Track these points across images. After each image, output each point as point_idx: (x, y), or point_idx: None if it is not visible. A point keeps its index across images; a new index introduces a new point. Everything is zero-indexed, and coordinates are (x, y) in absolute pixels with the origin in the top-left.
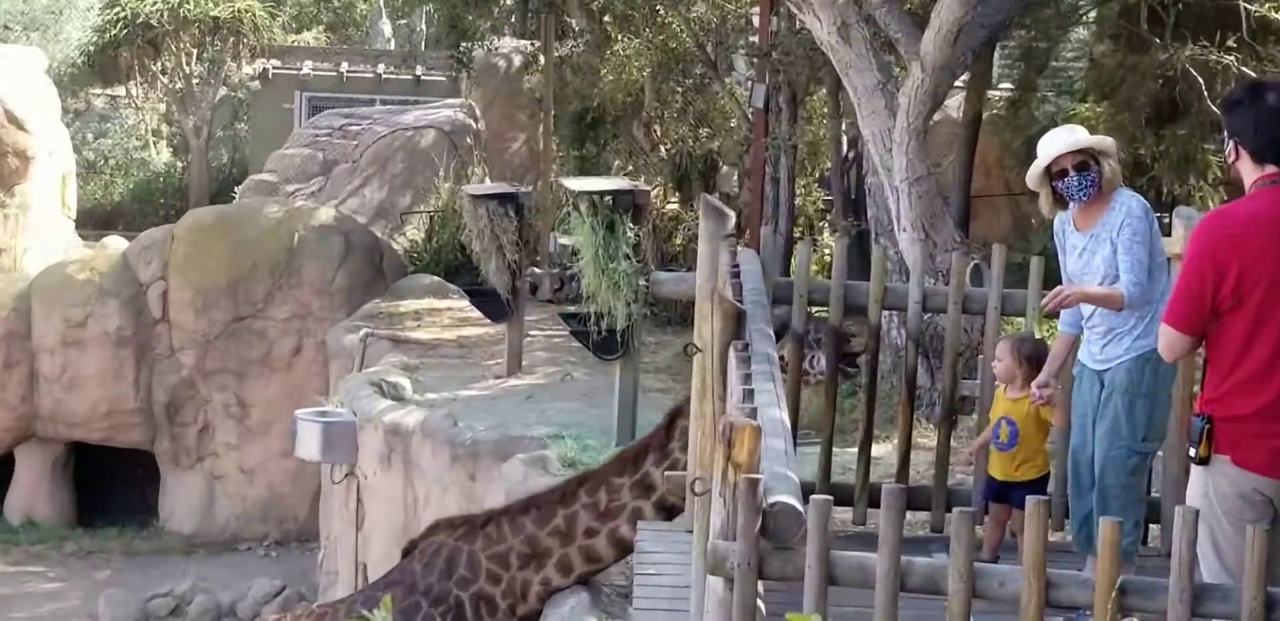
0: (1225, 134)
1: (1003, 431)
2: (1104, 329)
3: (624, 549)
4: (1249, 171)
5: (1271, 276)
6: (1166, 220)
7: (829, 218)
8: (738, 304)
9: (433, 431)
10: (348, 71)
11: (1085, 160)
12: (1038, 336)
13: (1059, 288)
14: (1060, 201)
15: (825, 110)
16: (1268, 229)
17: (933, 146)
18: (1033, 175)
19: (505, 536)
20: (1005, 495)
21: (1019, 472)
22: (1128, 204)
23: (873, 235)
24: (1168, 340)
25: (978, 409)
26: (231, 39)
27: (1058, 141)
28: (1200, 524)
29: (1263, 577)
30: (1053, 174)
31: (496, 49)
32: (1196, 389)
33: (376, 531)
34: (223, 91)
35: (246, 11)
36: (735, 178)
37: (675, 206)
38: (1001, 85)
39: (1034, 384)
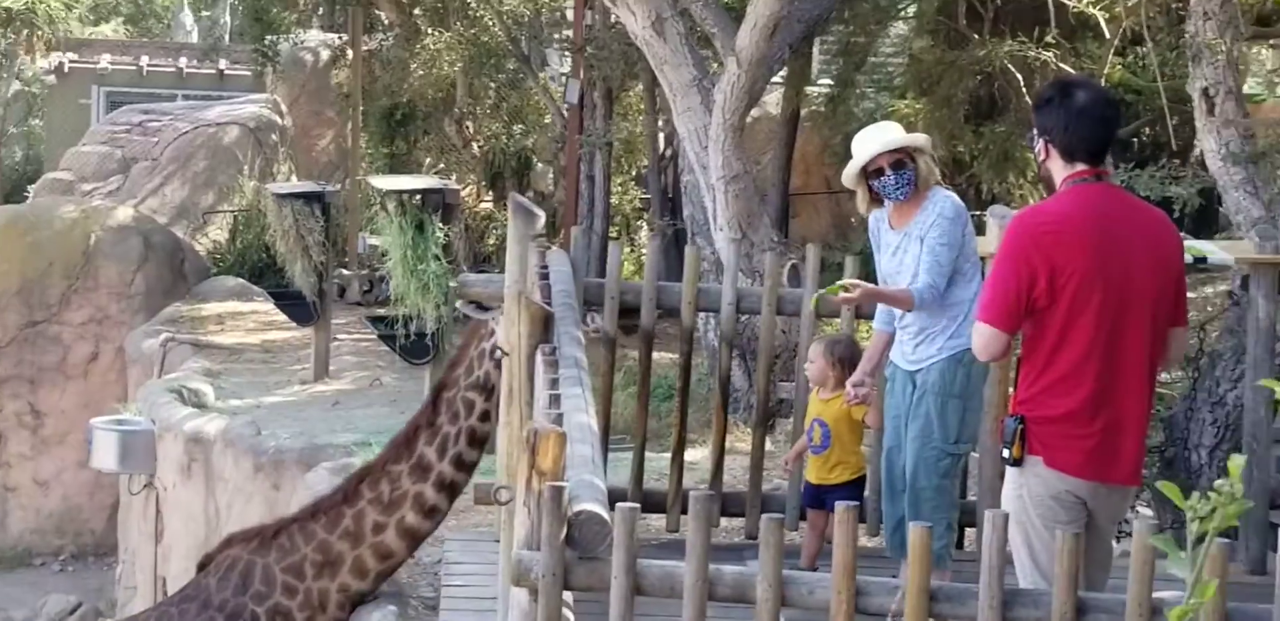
0: (1035, 132)
1: (815, 433)
2: (916, 329)
3: (414, 539)
4: (1059, 170)
5: (1084, 276)
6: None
7: (645, 216)
8: (545, 306)
9: (235, 440)
10: (148, 65)
11: (901, 159)
12: (852, 336)
13: (847, 282)
14: (877, 199)
15: (641, 106)
16: (1079, 227)
17: (750, 144)
18: (849, 174)
19: (298, 546)
20: (821, 500)
21: (833, 475)
22: (941, 204)
23: (689, 234)
24: (983, 338)
25: (795, 412)
26: (25, 31)
27: (873, 140)
28: (1014, 527)
29: (1073, 581)
30: (869, 172)
31: (303, 42)
32: (1011, 390)
33: (177, 544)
34: (16, 86)
35: (41, 2)
36: (550, 176)
37: (488, 205)
38: (820, 81)
39: (849, 382)
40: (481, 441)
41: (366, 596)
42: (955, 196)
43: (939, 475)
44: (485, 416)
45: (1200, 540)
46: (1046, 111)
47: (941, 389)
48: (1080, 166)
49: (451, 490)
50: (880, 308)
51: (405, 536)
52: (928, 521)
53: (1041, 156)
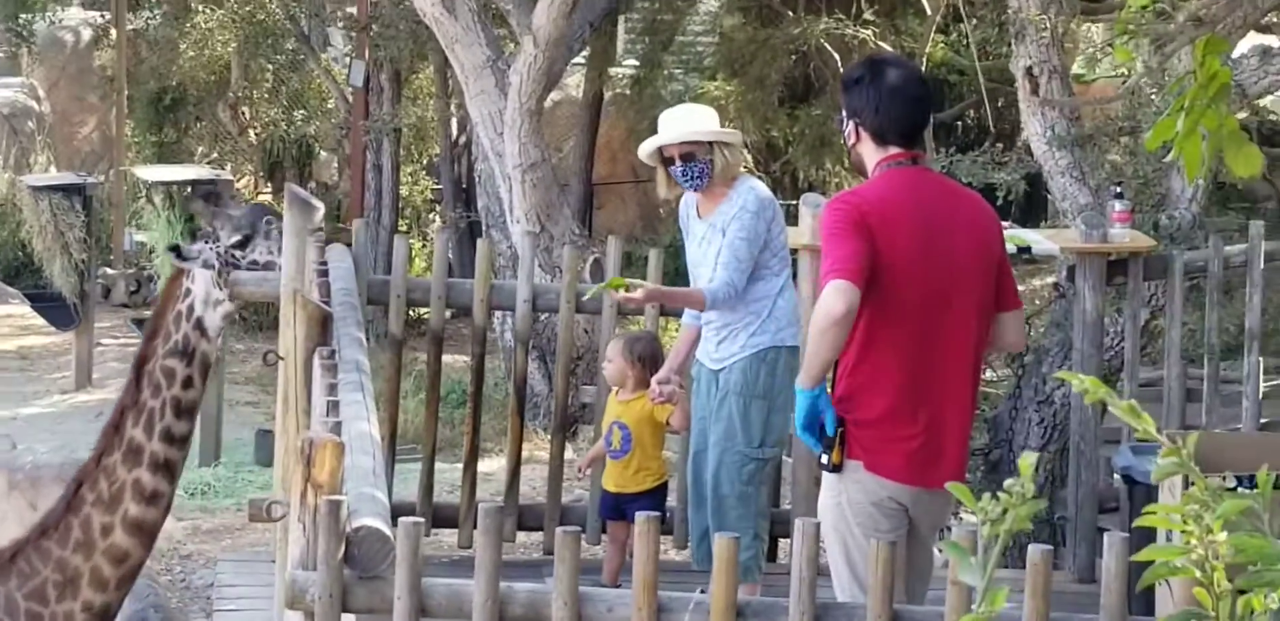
0: (844, 114)
1: (615, 437)
2: (719, 324)
3: (145, 533)
4: (871, 154)
5: (902, 262)
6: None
7: (438, 208)
8: (324, 306)
9: None
10: None
11: (692, 151)
12: (654, 333)
13: (629, 281)
14: (676, 183)
15: (432, 90)
16: (897, 211)
17: (550, 130)
18: (644, 154)
19: (37, 568)
20: (621, 510)
21: (634, 482)
22: (745, 197)
23: (484, 227)
24: (834, 293)
25: (596, 417)
26: None
27: (669, 127)
28: (831, 536)
29: (889, 592)
30: (664, 158)
31: (61, 21)
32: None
33: None
34: None
35: None
36: (334, 165)
37: (267, 197)
38: (625, 62)
39: (654, 379)
40: (189, 411)
41: (112, 608)
42: (761, 187)
43: (742, 482)
44: (189, 383)
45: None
46: (856, 92)
47: (744, 389)
48: (894, 149)
49: (169, 469)
50: None
51: (134, 532)
52: (733, 531)
53: (851, 140)
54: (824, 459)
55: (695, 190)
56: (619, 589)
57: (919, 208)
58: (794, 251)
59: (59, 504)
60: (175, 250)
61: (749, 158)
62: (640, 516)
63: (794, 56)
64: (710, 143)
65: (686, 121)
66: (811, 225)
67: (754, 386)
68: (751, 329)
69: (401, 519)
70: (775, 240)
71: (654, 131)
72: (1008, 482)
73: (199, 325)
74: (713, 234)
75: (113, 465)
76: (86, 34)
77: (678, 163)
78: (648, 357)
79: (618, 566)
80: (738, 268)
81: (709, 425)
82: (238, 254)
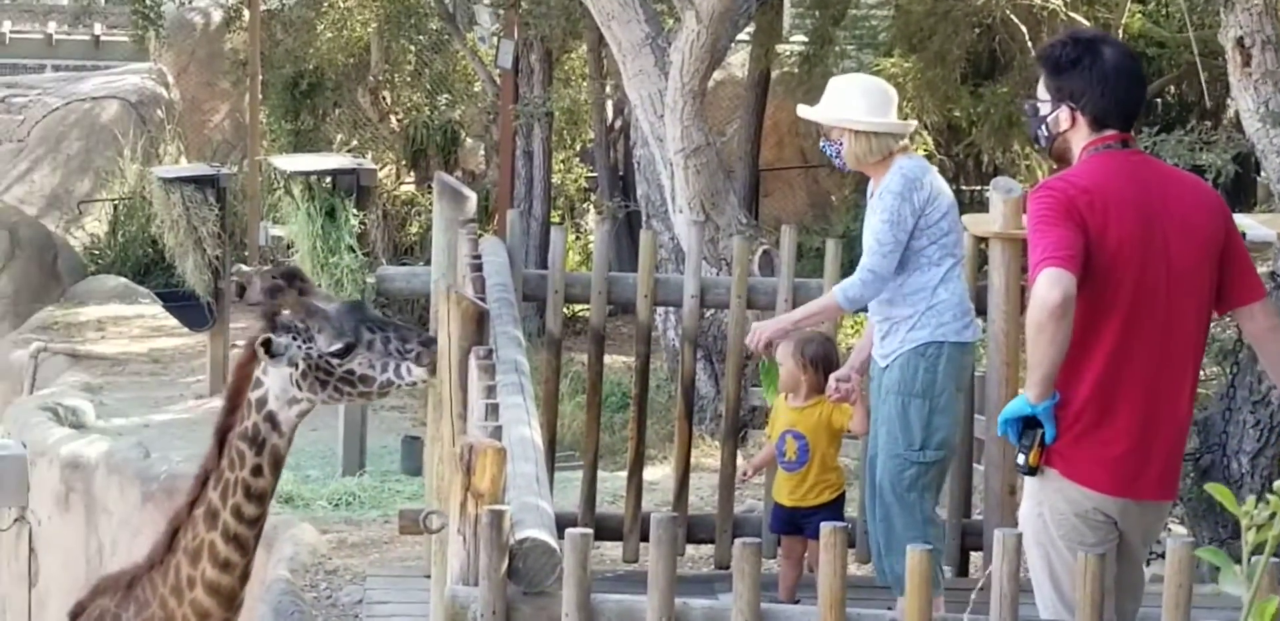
0: (1050, 98)
1: (789, 447)
2: (880, 318)
3: (223, 596)
4: (1081, 138)
5: (1119, 252)
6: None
7: (593, 198)
8: (479, 302)
9: (120, 465)
10: (10, 32)
11: (829, 129)
12: (826, 335)
13: (764, 327)
14: None
15: (586, 71)
16: (1115, 197)
17: (714, 111)
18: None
19: (149, 599)
20: (798, 525)
21: (812, 496)
22: (892, 176)
23: (644, 217)
24: (1048, 280)
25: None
26: None
27: (830, 96)
28: (1033, 549)
29: (1098, 610)
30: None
31: (191, 2)
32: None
33: (54, 588)
34: None
35: None
36: (481, 152)
37: (410, 188)
38: (793, 38)
39: (833, 376)
40: (259, 497)
41: None
42: (913, 167)
43: (904, 487)
44: (257, 471)
45: (1257, 551)
46: (1074, 74)
47: (902, 387)
48: (1109, 131)
49: (239, 543)
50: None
51: (211, 593)
52: (900, 540)
53: (1064, 126)
54: (1020, 459)
55: (843, 169)
56: (799, 605)
57: (1135, 194)
58: (983, 241)
59: (163, 537)
60: (267, 345)
61: (928, 140)
62: (825, 527)
63: (977, 30)
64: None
65: (830, 99)
66: (1003, 211)
67: (912, 384)
68: (911, 323)
69: (569, 530)
70: (933, 226)
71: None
72: (1278, 483)
73: (271, 418)
74: (871, 215)
75: (195, 520)
76: (217, 16)
77: (821, 139)
78: (820, 360)
79: (794, 582)
80: (878, 252)
81: (879, 427)
82: (334, 362)
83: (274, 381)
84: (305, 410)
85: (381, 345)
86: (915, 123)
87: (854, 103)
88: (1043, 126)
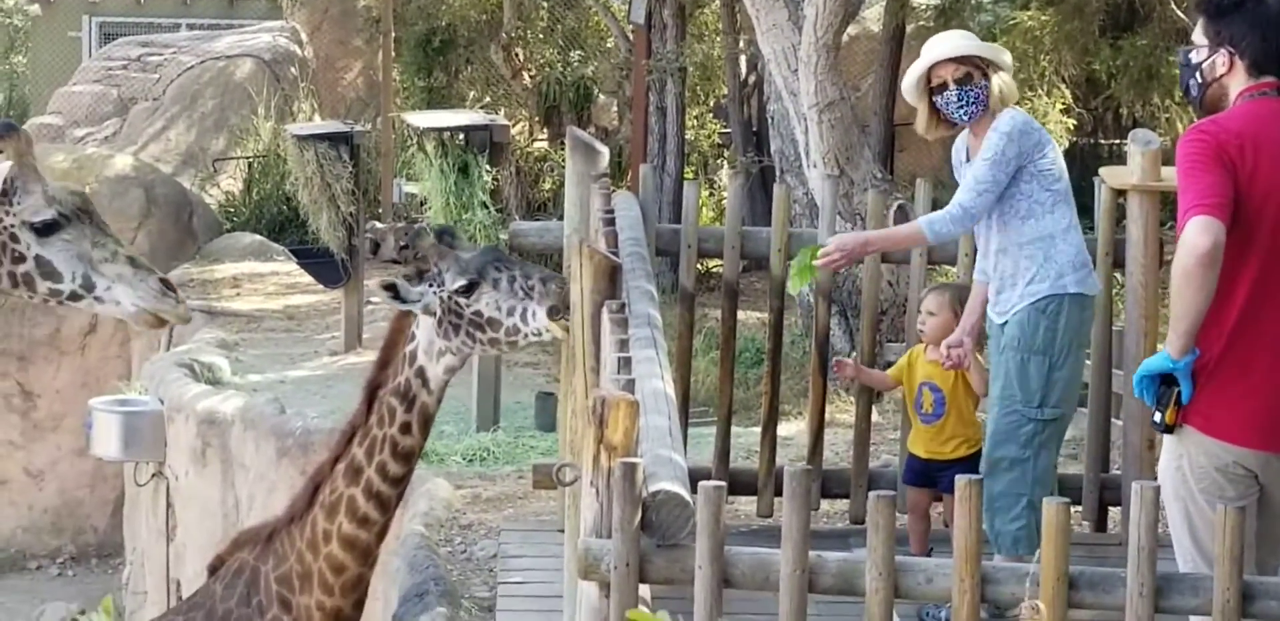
0: (1207, 44)
1: (926, 399)
2: (997, 274)
3: (359, 551)
4: (1238, 84)
5: (1258, 204)
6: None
7: (726, 153)
8: (612, 257)
9: (256, 420)
10: None
11: (970, 72)
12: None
13: (839, 238)
14: (943, 120)
15: (719, 25)
16: (1263, 144)
17: (848, 66)
18: (908, 85)
19: (287, 553)
20: (932, 478)
21: (948, 449)
22: (1000, 120)
23: (777, 172)
24: (1196, 229)
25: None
26: None
27: (939, 47)
28: (1172, 503)
29: (1237, 564)
30: (932, 87)
31: None
32: (1160, 344)
33: (191, 543)
34: None
35: None
36: (614, 108)
37: (543, 144)
38: None
39: (944, 343)
40: (406, 456)
41: (344, 612)
42: (1022, 113)
43: (1019, 444)
44: (406, 428)
45: None
46: (1234, 18)
47: (1020, 343)
48: (1266, 78)
49: (380, 501)
50: (979, 254)
51: (347, 547)
52: (1003, 498)
53: (1220, 71)
54: (1156, 418)
55: (968, 120)
56: (933, 558)
57: None
58: (1121, 194)
59: (304, 492)
60: (392, 289)
61: (1066, 93)
62: (960, 480)
63: None
64: (986, 66)
65: (956, 40)
66: (1141, 164)
67: (1032, 340)
68: (1029, 275)
69: (702, 483)
70: (1044, 171)
71: None
72: None
73: (421, 374)
74: (975, 159)
75: (337, 474)
76: None
77: (951, 87)
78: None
79: (924, 536)
80: (974, 189)
81: (994, 383)
82: (461, 301)
83: (423, 333)
84: (451, 366)
85: (507, 284)
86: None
87: (982, 44)
88: (1196, 74)
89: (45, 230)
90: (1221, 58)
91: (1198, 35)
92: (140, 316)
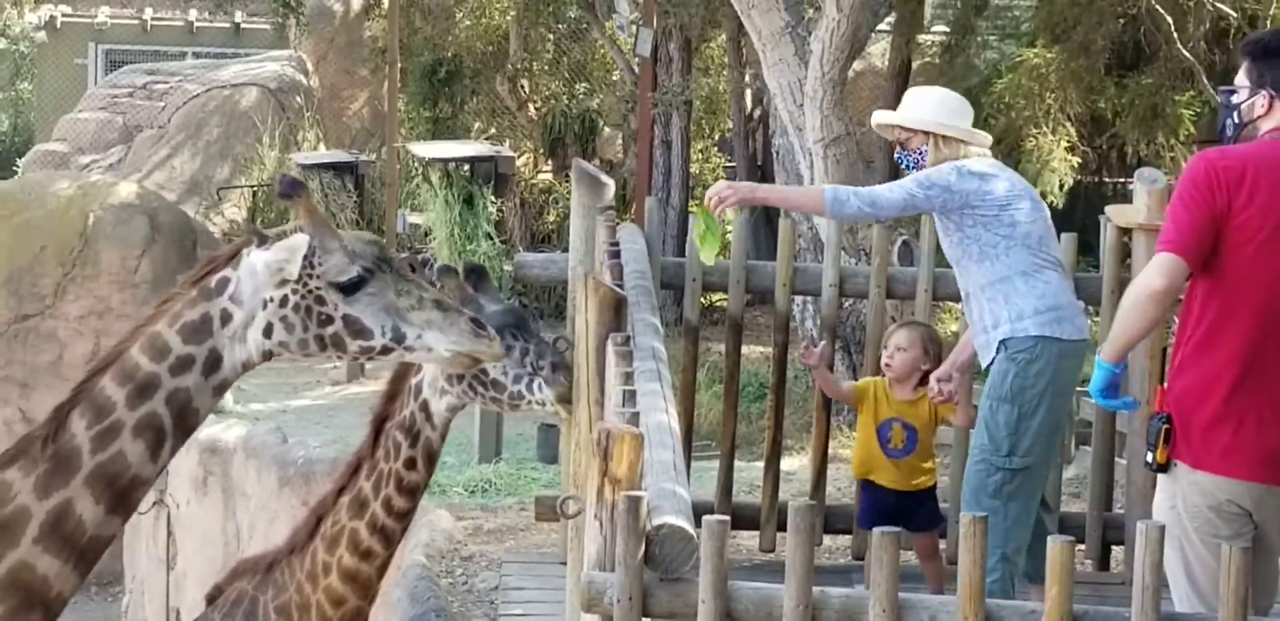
0: (1249, 85)
1: (895, 435)
2: (974, 320)
3: (359, 585)
4: (1271, 123)
5: (1262, 222)
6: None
7: None
8: (617, 289)
9: (258, 449)
10: (152, 19)
11: (908, 137)
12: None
13: (721, 183)
14: None
15: (725, 59)
16: (1264, 169)
17: (853, 102)
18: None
19: (286, 584)
20: (900, 513)
21: (916, 482)
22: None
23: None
24: (1157, 266)
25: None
26: None
27: (905, 105)
28: (1170, 543)
29: (1243, 604)
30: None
31: None
32: (1162, 384)
33: (192, 571)
34: (1, 45)
35: None
36: (619, 141)
37: (548, 176)
38: (935, 28)
39: (933, 376)
40: (411, 491)
41: None
42: (981, 163)
43: (988, 494)
44: (411, 464)
45: None
46: (1276, 62)
47: (991, 390)
48: None
49: (384, 535)
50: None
51: (347, 580)
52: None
53: (1259, 112)
54: (1149, 457)
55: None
56: (941, 595)
57: None
58: (1127, 233)
59: (306, 523)
60: None
61: (1072, 131)
62: (965, 517)
63: (1122, 20)
64: (927, 133)
65: (909, 106)
66: (1147, 202)
67: (1000, 386)
68: (994, 319)
69: (705, 517)
70: (991, 217)
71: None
72: None
73: (425, 407)
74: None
75: (341, 507)
76: (356, 3)
77: (897, 148)
78: (939, 349)
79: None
80: (893, 186)
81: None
82: None
83: (428, 368)
84: (454, 406)
85: (519, 355)
86: (989, 137)
87: (934, 108)
88: (1234, 114)
89: (351, 288)
90: (1261, 99)
91: (1240, 77)
92: (456, 360)
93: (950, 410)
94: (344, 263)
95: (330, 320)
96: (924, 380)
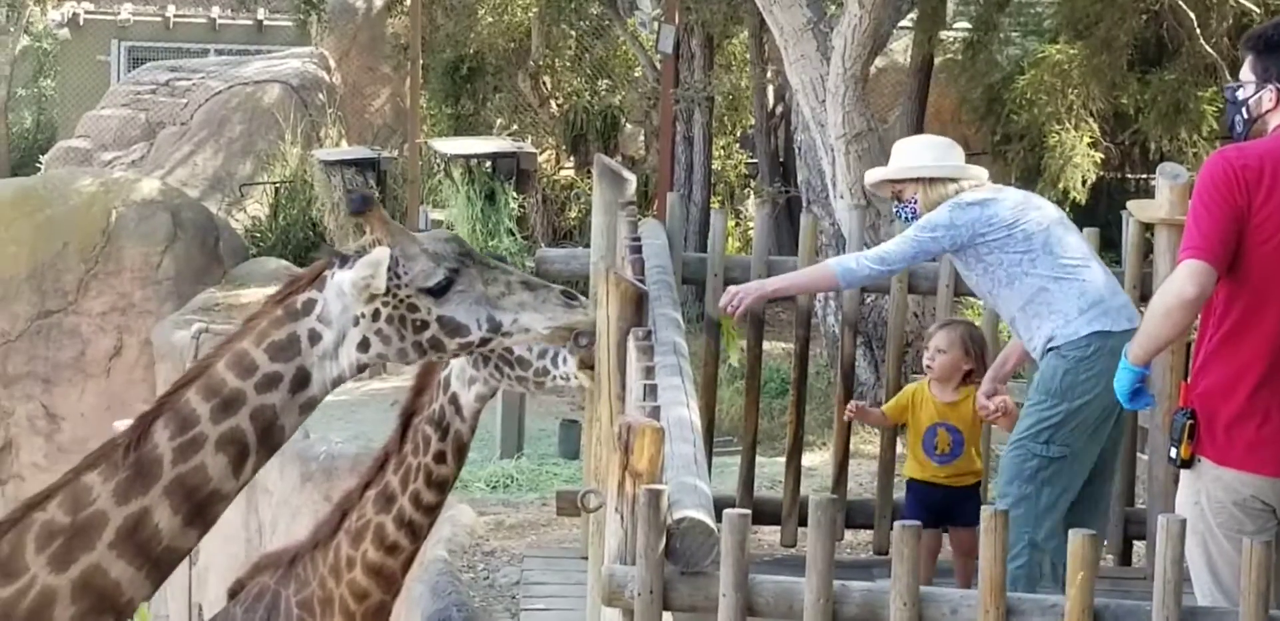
0: (1255, 80)
1: (941, 440)
2: (1025, 340)
3: (384, 579)
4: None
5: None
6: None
7: (753, 183)
8: (638, 284)
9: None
10: (175, 16)
11: (900, 189)
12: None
13: (730, 288)
14: None
15: (747, 56)
16: None
17: (875, 98)
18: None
19: (309, 578)
20: (946, 509)
21: (956, 481)
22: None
23: (804, 203)
24: (1185, 272)
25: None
26: None
27: (896, 159)
28: (1192, 538)
29: (1263, 599)
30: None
31: None
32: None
33: (214, 566)
34: (24, 42)
35: None
36: (641, 137)
37: (569, 172)
38: (957, 24)
39: (980, 393)
40: (439, 485)
41: None
42: (973, 196)
43: (1023, 480)
44: (441, 457)
45: None
46: None
47: (1040, 385)
48: None
49: (412, 529)
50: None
51: (371, 574)
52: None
53: (1266, 107)
54: (1172, 453)
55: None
56: (961, 589)
57: None
58: (1149, 227)
59: (330, 518)
60: None
61: (1094, 127)
62: (985, 512)
63: (1144, 16)
64: (917, 179)
65: (896, 156)
66: (1169, 197)
67: (1050, 382)
68: (1044, 332)
69: (726, 511)
70: (1000, 239)
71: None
72: None
73: (454, 400)
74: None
75: (366, 501)
76: (379, 0)
77: (894, 203)
78: (979, 350)
79: (929, 575)
80: (900, 240)
81: None
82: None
83: (456, 360)
84: (483, 395)
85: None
86: (985, 172)
87: (917, 155)
88: (1242, 110)
89: (440, 291)
90: (1269, 94)
91: (1245, 72)
92: (555, 335)
93: (1007, 419)
94: (429, 266)
95: (426, 325)
96: (965, 380)
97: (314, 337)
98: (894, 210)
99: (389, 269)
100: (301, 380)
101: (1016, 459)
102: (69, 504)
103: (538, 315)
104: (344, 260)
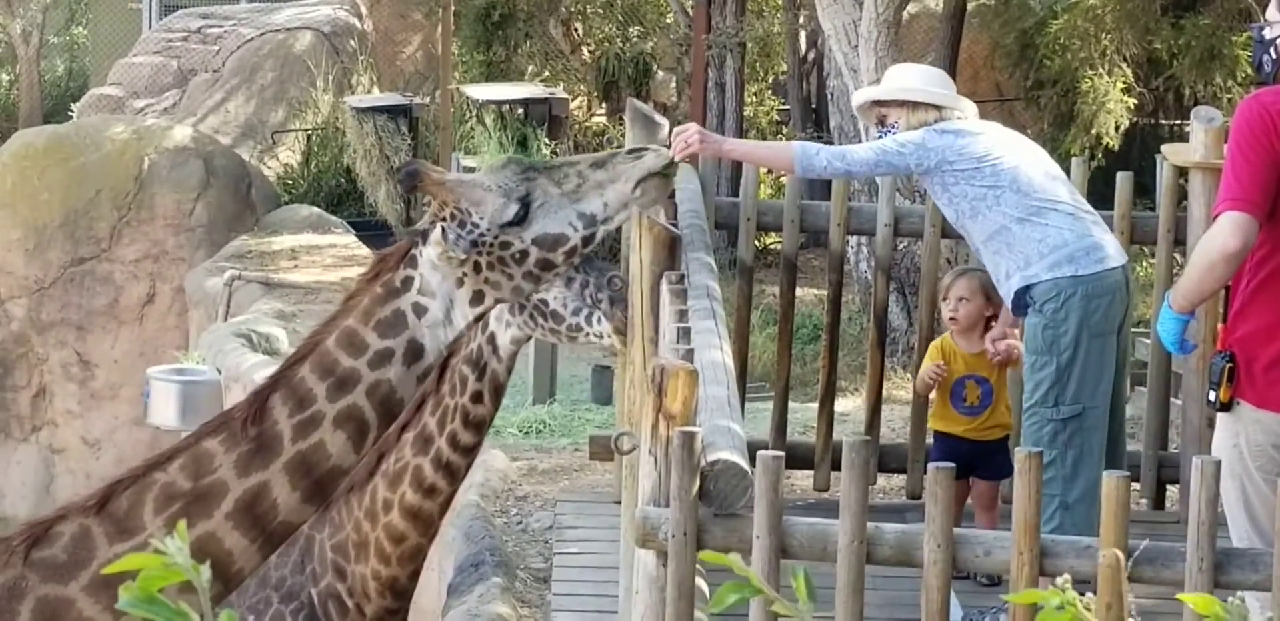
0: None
1: (970, 392)
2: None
3: (421, 521)
4: None
5: None
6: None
7: (785, 129)
8: (671, 228)
9: None
10: None
11: (884, 114)
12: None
13: (692, 127)
14: None
15: (779, 1)
16: None
17: (908, 43)
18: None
19: (343, 522)
20: (971, 462)
21: (986, 434)
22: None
23: None
24: (1229, 226)
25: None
26: None
27: (884, 82)
28: (1229, 481)
29: None
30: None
31: None
32: (1221, 324)
33: None
34: None
35: None
36: (673, 84)
37: (601, 119)
38: None
39: (988, 337)
40: (477, 425)
41: (400, 583)
42: (951, 124)
43: (1044, 444)
44: (478, 397)
45: None
46: None
47: (1029, 345)
48: None
49: (449, 471)
50: None
51: (408, 517)
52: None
53: None
54: (1211, 396)
55: None
56: (995, 531)
57: None
58: (1183, 172)
59: (366, 461)
60: None
61: (1128, 72)
62: (1020, 453)
63: None
64: (902, 103)
65: (888, 79)
66: (1203, 141)
67: (1035, 341)
68: (1004, 271)
69: (760, 453)
70: (968, 171)
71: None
72: None
73: (492, 340)
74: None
75: (405, 443)
76: None
77: (876, 128)
78: (1000, 296)
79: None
80: (868, 145)
81: None
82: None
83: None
84: (518, 338)
85: (579, 288)
86: (974, 107)
87: (910, 80)
88: (1270, 50)
89: (522, 218)
90: None
91: (1272, 11)
92: (648, 189)
93: (1015, 365)
94: (500, 202)
95: (526, 254)
96: (987, 327)
97: (419, 310)
98: (877, 136)
99: (460, 224)
100: (415, 352)
101: (1033, 427)
102: (191, 469)
103: (618, 185)
104: (425, 236)
